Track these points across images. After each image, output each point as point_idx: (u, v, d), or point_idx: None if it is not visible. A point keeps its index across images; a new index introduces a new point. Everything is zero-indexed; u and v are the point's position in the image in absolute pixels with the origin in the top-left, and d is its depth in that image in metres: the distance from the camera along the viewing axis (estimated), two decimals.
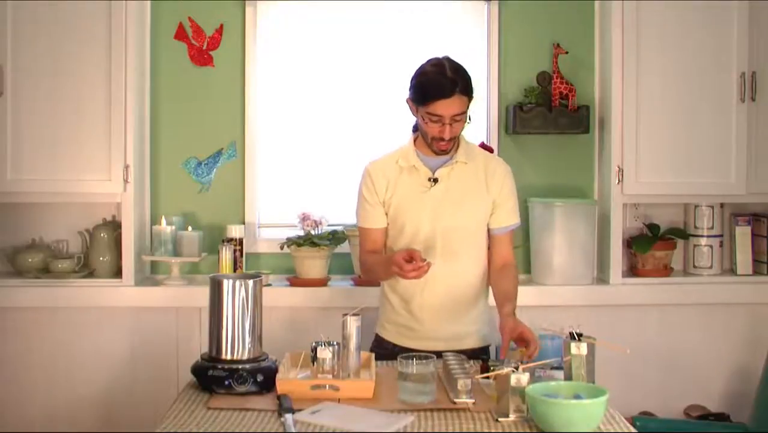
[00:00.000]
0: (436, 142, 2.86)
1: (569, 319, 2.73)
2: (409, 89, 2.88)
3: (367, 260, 3.02)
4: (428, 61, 2.88)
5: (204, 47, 3.83)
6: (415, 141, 2.98)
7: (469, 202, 2.93)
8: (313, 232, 3.70)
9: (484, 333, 3.03)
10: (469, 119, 2.89)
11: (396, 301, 2.99)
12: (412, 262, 2.70)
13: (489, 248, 3.01)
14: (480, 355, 2.92)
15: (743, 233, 3.91)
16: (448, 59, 2.87)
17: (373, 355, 2.72)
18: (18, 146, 3.57)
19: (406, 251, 2.74)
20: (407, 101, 2.90)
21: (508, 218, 2.99)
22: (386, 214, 2.97)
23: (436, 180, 2.92)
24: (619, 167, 3.71)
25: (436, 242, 2.90)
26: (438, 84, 2.78)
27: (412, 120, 2.97)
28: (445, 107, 2.79)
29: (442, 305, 2.94)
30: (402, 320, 2.99)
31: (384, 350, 2.93)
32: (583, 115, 3.78)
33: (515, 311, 2.80)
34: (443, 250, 2.90)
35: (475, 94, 2.89)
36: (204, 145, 3.87)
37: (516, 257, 3.81)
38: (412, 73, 2.88)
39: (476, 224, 2.93)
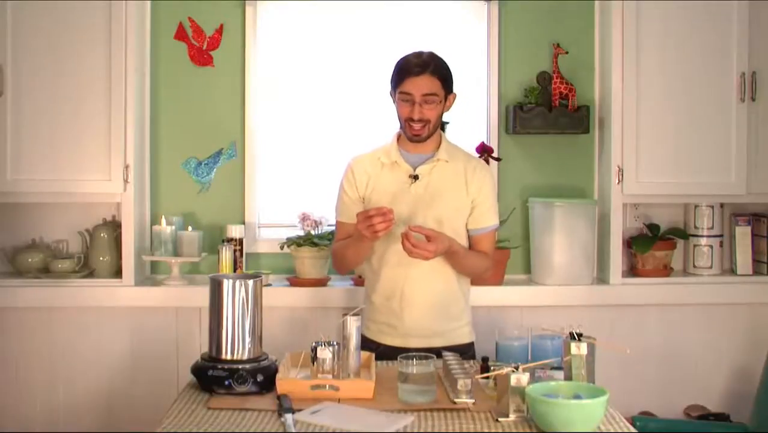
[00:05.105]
0: (408, 125, 2.92)
1: (569, 319, 2.72)
2: (390, 80, 2.96)
3: (339, 247, 3.04)
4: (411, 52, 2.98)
5: (204, 47, 3.83)
6: (398, 139, 3.01)
7: (447, 200, 2.94)
8: (313, 232, 3.71)
9: (467, 330, 3.04)
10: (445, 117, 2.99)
11: (377, 299, 3.01)
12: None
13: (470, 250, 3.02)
14: (463, 352, 2.91)
15: (743, 233, 3.90)
16: (430, 52, 2.96)
17: (373, 355, 2.72)
18: (18, 146, 3.57)
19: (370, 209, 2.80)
20: (390, 95, 2.98)
21: (487, 218, 3.01)
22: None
23: (416, 177, 2.94)
24: (619, 167, 3.70)
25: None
26: (410, 63, 2.90)
27: None
28: (415, 84, 2.87)
29: (422, 301, 2.95)
30: (383, 318, 3.00)
31: (368, 350, 2.92)
32: (583, 115, 3.77)
33: (454, 251, 2.86)
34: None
35: (455, 90, 2.97)
36: (204, 145, 3.87)
37: (516, 257, 3.84)
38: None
39: (454, 221, 2.94)
